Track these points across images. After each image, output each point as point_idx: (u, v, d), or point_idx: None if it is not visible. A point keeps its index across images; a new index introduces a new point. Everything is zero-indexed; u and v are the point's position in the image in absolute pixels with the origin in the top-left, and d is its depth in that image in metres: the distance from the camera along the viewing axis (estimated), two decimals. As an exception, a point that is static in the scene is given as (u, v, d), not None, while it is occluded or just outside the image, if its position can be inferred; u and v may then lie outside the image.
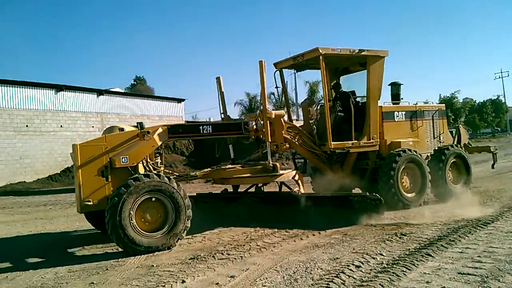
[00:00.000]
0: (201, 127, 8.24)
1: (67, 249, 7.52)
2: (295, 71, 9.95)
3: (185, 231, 7.06)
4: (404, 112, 10.38)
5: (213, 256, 6.28)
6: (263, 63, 8.12)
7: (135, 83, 71.49)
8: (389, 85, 10.87)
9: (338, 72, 11.04)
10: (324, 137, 9.53)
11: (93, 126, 28.93)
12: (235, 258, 6.11)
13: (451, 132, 12.01)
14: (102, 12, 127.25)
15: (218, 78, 9.20)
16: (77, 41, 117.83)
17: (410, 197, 9.42)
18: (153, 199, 6.83)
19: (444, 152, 10.13)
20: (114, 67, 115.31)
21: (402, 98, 10.92)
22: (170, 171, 8.32)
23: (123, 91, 43.04)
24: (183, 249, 6.92)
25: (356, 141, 9.45)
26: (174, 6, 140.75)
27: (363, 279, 4.80)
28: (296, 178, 8.91)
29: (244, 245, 6.86)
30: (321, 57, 8.88)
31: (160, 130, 7.78)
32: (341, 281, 4.75)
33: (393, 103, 10.75)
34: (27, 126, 25.45)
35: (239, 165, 8.64)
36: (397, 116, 10.25)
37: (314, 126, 9.65)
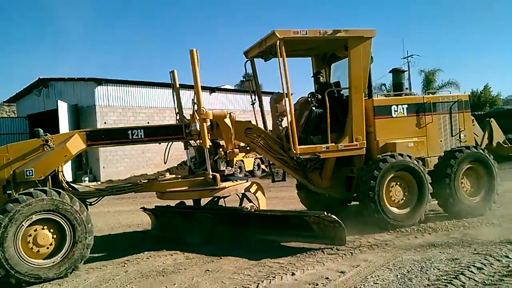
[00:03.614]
0: (129, 132, 7.00)
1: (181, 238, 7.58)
2: (264, 60, 8.32)
3: (82, 261, 5.95)
4: (406, 106, 8.28)
5: (322, 251, 6.27)
6: (195, 52, 6.67)
7: (244, 79, 71.70)
8: (389, 72, 8.85)
9: (326, 59, 9.19)
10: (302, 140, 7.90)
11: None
12: (345, 254, 6.09)
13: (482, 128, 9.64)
14: (217, 13, 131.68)
15: (172, 72, 7.85)
16: (197, 43, 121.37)
17: (400, 214, 7.45)
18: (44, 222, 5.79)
19: (454, 155, 7.93)
20: (224, 65, 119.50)
21: (407, 88, 8.87)
22: (89, 187, 7.12)
23: (232, 88, 43.10)
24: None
25: (332, 144, 7.64)
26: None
27: (486, 282, 4.62)
28: (253, 190, 7.37)
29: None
30: (279, 43, 7.20)
31: (75, 137, 6.68)
32: (461, 283, 4.61)
33: (395, 94, 8.72)
34: (148, 122, 26.11)
35: (180, 177, 7.29)
36: (395, 111, 8.21)
37: (281, 127, 7.99)
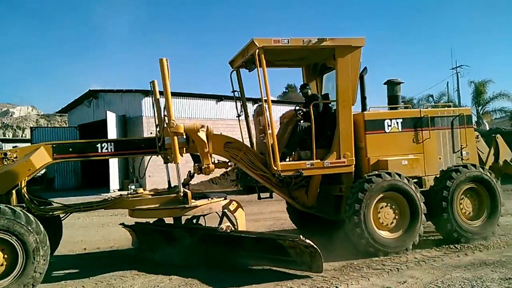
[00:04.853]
0: (99, 145, 6.63)
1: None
2: (248, 70, 7.88)
3: (34, 286, 5.53)
4: (400, 120, 7.69)
5: (368, 266, 6.21)
6: (164, 62, 6.29)
7: (286, 90, 71.52)
8: (384, 83, 8.29)
9: (317, 70, 8.68)
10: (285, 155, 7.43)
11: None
12: (391, 269, 5.99)
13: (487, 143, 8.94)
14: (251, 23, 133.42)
15: (152, 82, 7.44)
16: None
17: (390, 238, 6.84)
18: None
19: (451, 175, 7.28)
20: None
21: (403, 101, 8.27)
22: (56, 203, 6.72)
23: (276, 99, 43.08)
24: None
25: (318, 161, 7.11)
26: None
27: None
28: (232, 208, 6.89)
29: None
30: (257, 52, 6.76)
31: (40, 149, 6.34)
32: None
33: (390, 108, 8.14)
34: None
35: (152, 194, 6.87)
36: (389, 126, 7.62)
37: (265, 141, 7.50)
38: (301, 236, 5.61)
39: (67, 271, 6.84)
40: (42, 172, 32.86)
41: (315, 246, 5.55)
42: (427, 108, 8.00)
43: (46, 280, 6.16)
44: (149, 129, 25.18)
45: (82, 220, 12.80)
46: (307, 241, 5.55)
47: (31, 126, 47.75)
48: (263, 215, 11.61)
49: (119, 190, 23.26)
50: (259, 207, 12.46)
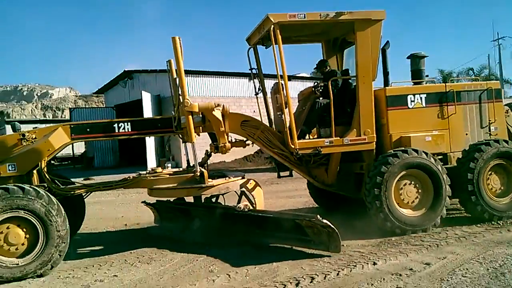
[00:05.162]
0: (116, 125, 6.68)
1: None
2: (264, 47, 7.70)
3: (53, 268, 5.70)
4: (424, 95, 7.40)
5: (406, 242, 6.17)
6: (177, 40, 6.21)
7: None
8: (407, 58, 7.97)
9: (337, 45, 8.42)
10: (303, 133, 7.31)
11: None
12: (430, 245, 5.93)
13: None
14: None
15: (168, 62, 7.38)
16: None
17: (411, 217, 6.65)
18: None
19: (480, 148, 6.98)
20: (299, 52, 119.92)
21: (427, 75, 7.94)
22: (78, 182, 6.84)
23: (308, 75, 43.13)
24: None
25: (337, 138, 6.95)
26: None
27: None
28: (250, 187, 6.84)
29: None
30: (272, 28, 6.59)
31: (58, 130, 6.43)
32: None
33: (414, 83, 7.84)
34: None
35: (171, 173, 6.90)
36: (412, 101, 7.35)
37: (283, 119, 7.36)
38: (318, 216, 5.52)
39: (110, 246, 7.07)
40: (82, 151, 35.11)
41: (332, 226, 5.45)
42: (457, 82, 7.64)
43: (92, 254, 6.61)
44: (183, 108, 25.65)
45: (121, 198, 13.28)
46: (324, 220, 5.46)
47: (70, 107, 49.52)
48: (298, 192, 11.48)
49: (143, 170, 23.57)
50: (294, 184, 12.28)
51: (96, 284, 5.31)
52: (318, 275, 4.97)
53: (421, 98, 7.38)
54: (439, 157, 7.15)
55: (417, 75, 7.84)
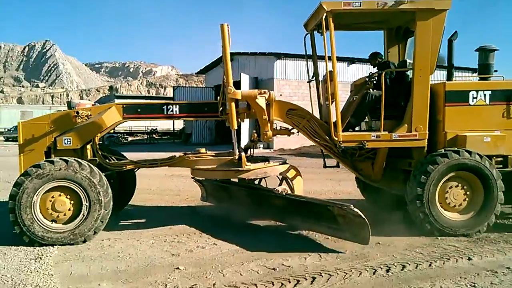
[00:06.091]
0: (165, 107, 6.92)
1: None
2: (320, 34, 7.42)
3: (95, 234, 6.17)
4: (489, 92, 6.83)
5: (505, 240, 6.15)
6: (225, 26, 6.19)
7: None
8: (476, 50, 7.34)
9: (400, 33, 7.93)
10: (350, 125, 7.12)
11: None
12: None
13: None
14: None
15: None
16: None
17: (454, 220, 6.31)
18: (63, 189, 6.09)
19: None
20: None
21: (496, 71, 7.28)
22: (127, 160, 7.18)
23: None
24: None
25: (385, 133, 6.66)
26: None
27: None
28: (290, 175, 6.88)
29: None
30: (325, 16, 6.36)
31: (112, 109, 6.79)
32: None
33: (480, 78, 7.24)
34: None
35: (213, 154, 7.06)
36: (474, 98, 6.82)
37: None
38: (351, 205, 5.45)
39: (206, 219, 7.76)
40: (181, 127, 38.67)
41: (364, 216, 5.38)
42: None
43: (193, 224, 7.24)
44: (279, 91, 25.75)
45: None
46: (356, 210, 5.40)
47: (172, 85, 52.75)
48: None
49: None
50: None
51: (198, 250, 5.87)
52: (409, 264, 5.15)
53: (485, 94, 6.81)
54: (499, 159, 6.64)
55: (484, 69, 7.22)
